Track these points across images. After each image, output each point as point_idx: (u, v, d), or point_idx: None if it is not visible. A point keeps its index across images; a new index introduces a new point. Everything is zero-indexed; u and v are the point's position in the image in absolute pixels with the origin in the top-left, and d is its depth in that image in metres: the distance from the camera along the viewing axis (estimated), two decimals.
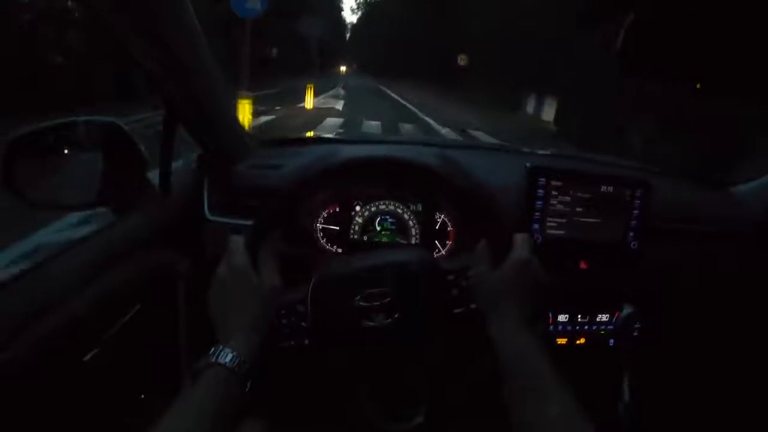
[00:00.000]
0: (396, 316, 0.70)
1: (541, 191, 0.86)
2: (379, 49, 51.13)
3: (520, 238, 0.70)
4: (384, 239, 0.93)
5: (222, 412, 0.52)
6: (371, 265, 0.74)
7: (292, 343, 0.71)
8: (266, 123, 8.19)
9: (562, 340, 0.91)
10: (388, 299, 0.70)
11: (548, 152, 1.18)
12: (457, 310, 0.73)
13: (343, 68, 67.39)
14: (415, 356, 0.84)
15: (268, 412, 0.76)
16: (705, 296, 0.95)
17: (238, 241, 0.66)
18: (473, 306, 0.73)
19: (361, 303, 0.70)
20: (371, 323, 0.70)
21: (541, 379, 0.56)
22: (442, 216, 0.93)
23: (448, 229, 0.93)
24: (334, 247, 0.92)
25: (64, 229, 0.82)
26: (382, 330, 0.70)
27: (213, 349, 0.56)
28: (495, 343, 0.62)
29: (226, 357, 0.55)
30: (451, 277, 0.74)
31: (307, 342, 0.71)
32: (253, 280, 0.64)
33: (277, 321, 0.69)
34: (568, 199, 0.88)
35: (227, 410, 0.53)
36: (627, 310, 0.91)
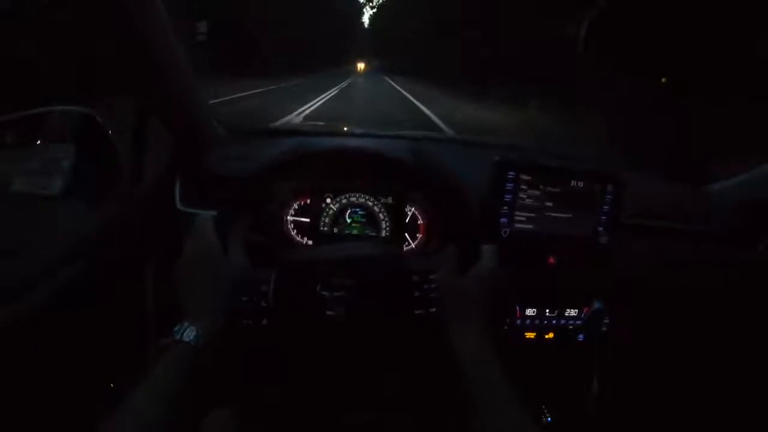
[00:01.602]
0: (355, 309, 0.71)
1: (510, 185, 0.86)
2: (413, 42, 34.92)
3: (487, 250, 0.71)
4: (354, 231, 0.93)
5: (184, 389, 0.53)
6: (337, 257, 0.75)
7: (250, 322, 0.72)
8: None
9: (530, 335, 0.91)
10: (349, 291, 0.71)
11: (520, 146, 1.18)
12: (417, 312, 0.74)
13: (360, 65, 52.96)
14: (371, 351, 0.85)
15: (231, 398, 0.77)
16: (674, 292, 0.95)
17: (206, 221, 0.68)
18: (433, 310, 0.74)
19: (323, 292, 0.70)
20: (331, 313, 0.70)
21: (498, 391, 0.57)
22: (413, 209, 0.93)
23: (419, 222, 0.93)
24: (304, 238, 0.93)
25: (35, 218, 0.83)
26: (340, 321, 0.70)
27: (177, 326, 0.57)
28: (454, 350, 0.63)
29: (191, 335, 0.56)
30: (415, 278, 0.75)
31: (265, 322, 0.72)
32: (220, 261, 0.65)
33: (238, 298, 0.70)
34: (537, 193, 0.87)
35: (189, 387, 0.54)
36: (596, 305, 0.91)
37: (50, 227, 0.85)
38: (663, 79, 0.80)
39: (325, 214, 0.92)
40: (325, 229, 0.92)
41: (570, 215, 0.88)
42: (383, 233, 0.93)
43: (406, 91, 17.73)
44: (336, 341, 0.77)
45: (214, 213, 0.85)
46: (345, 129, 1.23)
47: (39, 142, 0.88)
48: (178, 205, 0.90)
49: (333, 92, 14.76)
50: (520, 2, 12.43)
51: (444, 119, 8.87)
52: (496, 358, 0.60)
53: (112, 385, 0.85)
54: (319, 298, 0.70)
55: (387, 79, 31.53)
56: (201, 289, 0.63)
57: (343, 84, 20.22)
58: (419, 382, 0.91)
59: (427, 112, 10.35)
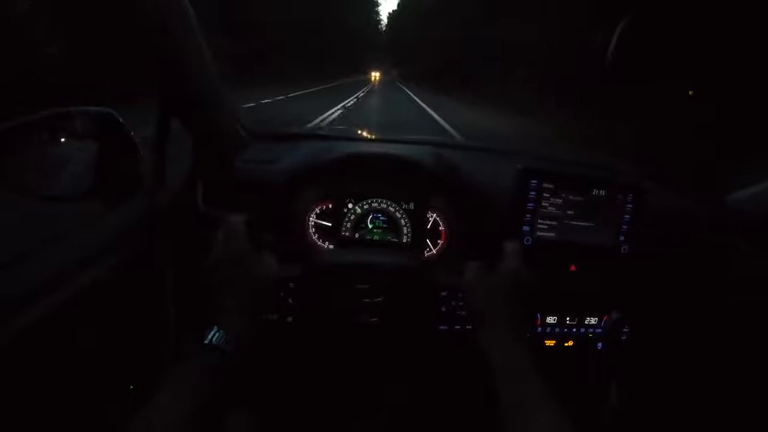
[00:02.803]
0: (384, 317, 0.71)
1: (532, 193, 0.86)
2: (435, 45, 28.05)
3: (510, 247, 0.71)
4: (376, 237, 0.93)
5: (214, 393, 0.53)
6: (366, 263, 0.75)
7: (276, 317, 0.72)
8: None
9: (550, 342, 0.91)
10: (380, 299, 0.71)
11: (543, 154, 1.19)
12: (441, 327, 0.75)
13: (375, 74, 44.56)
14: (392, 359, 0.85)
15: (248, 396, 0.77)
16: (694, 302, 0.95)
17: (237, 223, 0.68)
18: (458, 327, 0.74)
19: (354, 297, 0.71)
20: (359, 318, 0.71)
21: (533, 394, 0.56)
22: (434, 215, 0.93)
23: (440, 228, 0.93)
24: (326, 243, 0.93)
25: (57, 217, 0.83)
26: (367, 327, 0.71)
27: (207, 330, 0.57)
28: (485, 356, 0.63)
29: (221, 339, 0.57)
30: (443, 294, 0.75)
31: (290, 320, 0.72)
32: (252, 264, 0.65)
33: (269, 304, 0.71)
34: (559, 201, 0.88)
35: (219, 392, 0.54)
36: (615, 314, 0.91)
37: (71, 227, 0.84)
38: (690, 92, 0.81)
39: (347, 219, 0.92)
40: (347, 233, 0.92)
41: (592, 224, 0.89)
42: (404, 239, 0.93)
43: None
44: (358, 346, 0.77)
45: (245, 215, 0.85)
46: (364, 133, 1.23)
47: (61, 141, 0.88)
48: (200, 208, 0.90)
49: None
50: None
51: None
52: (529, 359, 0.60)
53: (131, 387, 0.85)
54: (350, 303, 0.71)
55: (403, 84, 25.99)
56: (232, 294, 0.63)
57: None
58: (437, 394, 0.92)
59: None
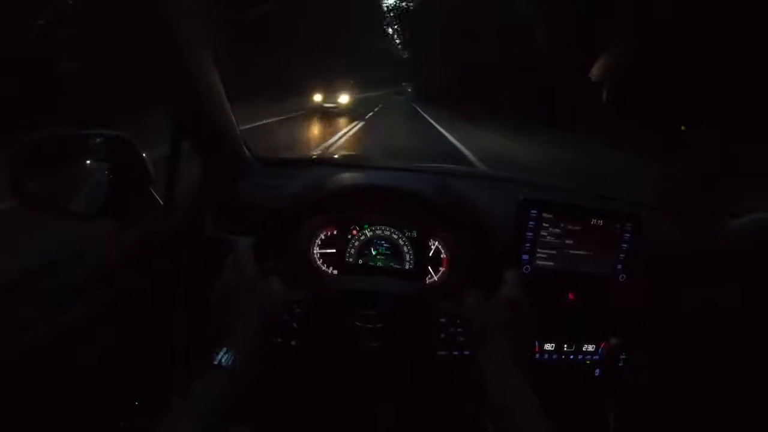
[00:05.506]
0: (384, 342, 0.73)
1: (532, 223, 0.88)
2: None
3: (509, 275, 0.73)
4: (379, 263, 0.95)
5: (223, 413, 0.55)
6: (374, 290, 0.77)
7: (280, 340, 0.73)
8: None
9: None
10: (381, 325, 0.73)
11: (543, 182, 1.21)
12: (441, 353, 0.76)
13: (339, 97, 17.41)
14: (393, 385, 0.86)
15: (252, 416, 0.78)
16: (691, 329, 0.96)
17: (246, 247, 0.70)
18: (455, 353, 0.76)
19: (356, 323, 0.73)
20: (359, 344, 0.73)
21: (526, 415, 0.57)
22: (436, 243, 0.95)
23: (442, 255, 0.95)
24: (330, 268, 0.95)
25: (67, 236, 0.86)
26: (368, 352, 0.73)
27: (216, 351, 0.59)
28: (482, 378, 0.64)
29: (230, 360, 0.58)
30: (443, 320, 0.77)
31: (294, 343, 0.73)
32: (260, 287, 0.68)
33: (276, 327, 0.72)
34: (558, 231, 0.90)
35: (227, 411, 0.56)
36: (613, 341, 0.92)
37: (83, 246, 0.86)
38: (683, 128, 0.84)
39: (350, 245, 0.94)
40: (351, 260, 0.94)
41: (590, 252, 0.91)
42: (407, 266, 0.95)
43: None
44: (356, 371, 0.78)
45: (252, 240, 0.87)
46: (370, 161, 1.25)
47: (75, 162, 0.91)
48: (209, 231, 0.92)
49: None
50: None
51: None
52: (524, 381, 0.61)
53: (136, 403, 0.86)
54: (354, 329, 0.73)
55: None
56: (241, 315, 0.65)
57: None
58: (433, 418, 0.93)
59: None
